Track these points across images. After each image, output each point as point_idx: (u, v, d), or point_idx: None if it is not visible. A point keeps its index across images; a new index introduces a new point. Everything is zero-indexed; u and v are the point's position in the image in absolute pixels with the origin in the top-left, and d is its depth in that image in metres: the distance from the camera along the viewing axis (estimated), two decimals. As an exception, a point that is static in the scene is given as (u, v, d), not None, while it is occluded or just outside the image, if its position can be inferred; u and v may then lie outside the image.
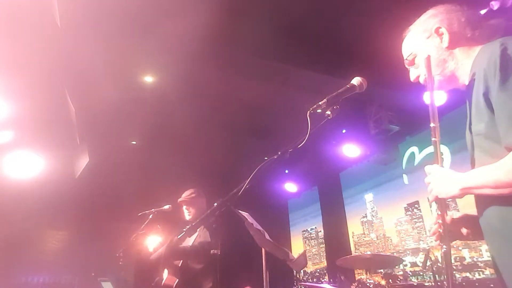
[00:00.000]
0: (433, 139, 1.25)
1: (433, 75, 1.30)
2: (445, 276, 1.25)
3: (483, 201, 1.18)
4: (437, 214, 1.28)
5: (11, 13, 3.57)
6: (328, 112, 1.45)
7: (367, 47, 4.41)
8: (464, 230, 1.36)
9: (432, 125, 1.25)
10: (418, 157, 5.60)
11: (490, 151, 1.10)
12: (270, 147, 3.30)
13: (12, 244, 6.50)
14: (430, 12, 1.40)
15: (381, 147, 6.06)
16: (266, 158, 1.51)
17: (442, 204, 1.27)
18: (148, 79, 4.87)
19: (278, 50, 4.30)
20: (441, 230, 1.25)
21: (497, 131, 1.05)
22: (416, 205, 5.56)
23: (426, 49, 1.35)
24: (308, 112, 1.43)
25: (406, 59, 1.44)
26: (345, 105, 1.48)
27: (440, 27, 1.32)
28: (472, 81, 1.20)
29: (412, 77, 1.45)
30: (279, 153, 1.49)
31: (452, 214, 1.35)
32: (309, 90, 4.76)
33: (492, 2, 3.49)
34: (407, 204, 5.70)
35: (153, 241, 3.32)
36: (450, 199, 1.32)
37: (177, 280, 2.91)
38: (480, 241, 4.41)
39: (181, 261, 2.99)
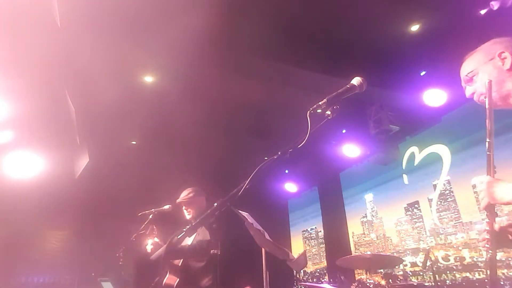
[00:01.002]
0: (487, 153, 1.36)
1: (492, 97, 1.40)
2: (489, 281, 1.31)
3: None
4: (486, 221, 1.35)
5: (11, 13, 3.57)
6: (328, 112, 1.45)
7: (367, 47, 4.41)
8: (511, 238, 1.42)
9: (488, 140, 1.35)
10: (418, 157, 5.60)
11: None
12: (270, 147, 3.30)
13: (12, 244, 6.50)
14: (494, 40, 1.52)
15: (381, 147, 6.05)
16: (266, 158, 1.50)
17: (491, 212, 1.34)
18: (148, 79, 4.87)
19: (278, 50, 4.30)
20: (488, 237, 1.33)
21: None
22: (416, 205, 5.56)
23: (488, 68, 1.46)
24: (308, 112, 1.43)
25: (466, 75, 1.53)
26: (345, 105, 1.47)
27: (503, 52, 1.44)
28: None
29: (468, 94, 1.55)
30: (279, 153, 1.48)
31: (500, 222, 1.41)
32: (309, 90, 4.76)
33: (492, 2, 3.50)
34: (407, 204, 5.71)
35: (151, 243, 3.30)
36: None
37: (178, 279, 2.91)
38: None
39: (181, 260, 2.99)
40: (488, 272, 1.31)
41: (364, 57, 4.40)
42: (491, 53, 1.47)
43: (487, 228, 1.34)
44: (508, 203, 1.29)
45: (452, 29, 3.91)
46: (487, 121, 1.36)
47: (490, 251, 1.30)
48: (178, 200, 3.27)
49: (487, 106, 1.37)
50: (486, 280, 1.34)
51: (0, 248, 6.23)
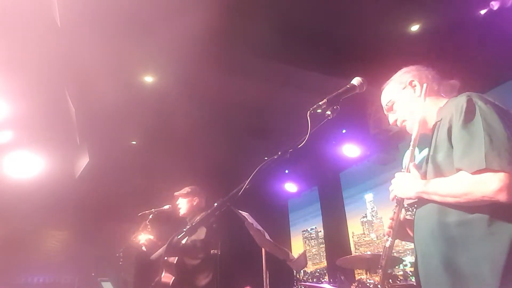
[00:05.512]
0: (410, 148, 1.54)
1: (410, 118, 1.57)
2: (381, 266, 1.49)
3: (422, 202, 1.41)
4: (393, 211, 1.51)
5: (10, 13, 3.57)
6: (328, 112, 1.45)
7: (367, 47, 4.41)
8: (409, 232, 1.56)
9: (411, 148, 1.54)
10: (418, 157, 5.59)
11: (445, 174, 1.31)
12: (270, 147, 3.30)
13: (12, 244, 6.50)
14: (404, 69, 1.69)
15: (381, 147, 6.05)
16: (266, 158, 1.50)
17: (400, 203, 1.49)
18: (148, 79, 4.87)
19: (278, 50, 4.30)
20: (392, 226, 1.49)
21: (452, 159, 1.27)
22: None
23: (402, 97, 1.61)
24: (308, 112, 1.43)
25: (386, 105, 1.67)
26: (345, 105, 1.48)
27: (413, 80, 1.60)
28: (435, 124, 1.44)
29: (391, 121, 1.68)
30: (279, 153, 1.48)
31: (404, 215, 1.58)
32: (309, 90, 4.76)
33: (492, 2, 3.50)
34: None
35: (144, 239, 3.28)
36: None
37: (174, 277, 2.91)
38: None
39: (176, 258, 3.00)
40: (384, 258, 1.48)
41: (364, 57, 4.40)
42: (402, 82, 1.62)
43: (393, 218, 1.50)
44: (409, 199, 1.44)
45: (452, 29, 3.91)
46: (412, 135, 1.51)
47: (390, 239, 1.47)
48: (175, 193, 3.31)
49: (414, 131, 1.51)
50: (380, 266, 1.49)
51: (0, 248, 6.24)
